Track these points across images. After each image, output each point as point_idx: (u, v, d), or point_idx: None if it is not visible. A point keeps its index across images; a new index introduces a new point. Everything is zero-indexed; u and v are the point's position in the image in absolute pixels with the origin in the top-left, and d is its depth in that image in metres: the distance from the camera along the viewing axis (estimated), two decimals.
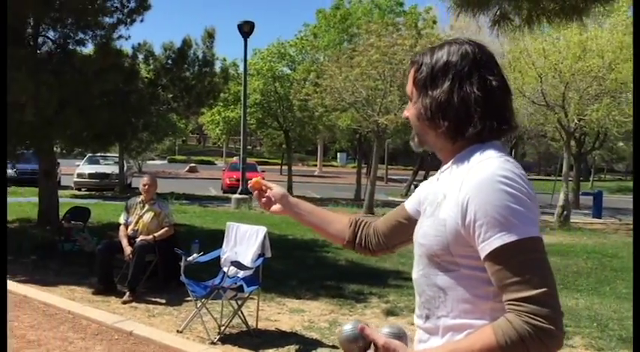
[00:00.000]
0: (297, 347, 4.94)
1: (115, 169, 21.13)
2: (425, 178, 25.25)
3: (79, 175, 21.24)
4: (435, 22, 21.11)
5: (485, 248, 1.29)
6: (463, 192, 1.34)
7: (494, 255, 1.28)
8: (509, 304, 1.26)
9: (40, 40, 9.78)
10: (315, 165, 46.19)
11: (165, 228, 6.41)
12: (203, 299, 5.06)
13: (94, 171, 21.36)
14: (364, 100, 16.37)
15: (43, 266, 7.27)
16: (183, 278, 5.17)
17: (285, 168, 27.71)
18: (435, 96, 1.43)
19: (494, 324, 1.27)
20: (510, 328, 1.23)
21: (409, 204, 1.70)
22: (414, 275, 1.52)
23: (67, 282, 6.58)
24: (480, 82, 1.40)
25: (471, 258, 1.34)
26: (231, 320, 5.14)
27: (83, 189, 20.80)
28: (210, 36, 10.91)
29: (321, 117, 19.81)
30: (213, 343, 4.85)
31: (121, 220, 6.59)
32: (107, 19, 10.07)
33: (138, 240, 6.27)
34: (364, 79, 16.01)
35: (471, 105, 1.40)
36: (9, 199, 14.91)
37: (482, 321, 1.33)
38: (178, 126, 26.70)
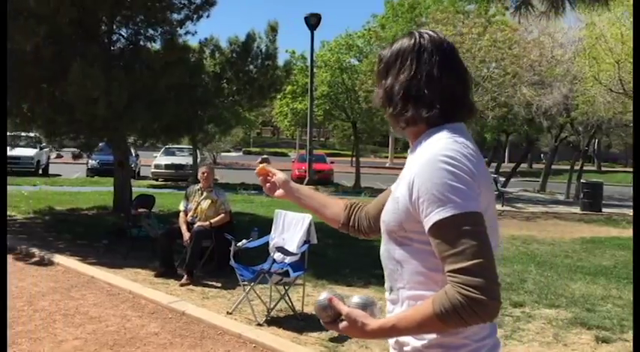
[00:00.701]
0: None
1: (190, 160, 21.96)
2: (496, 171, 24.69)
3: (156, 166, 22.27)
4: (507, 9, 20.44)
5: (427, 223, 1.37)
6: (412, 171, 1.44)
7: (434, 229, 1.36)
8: (447, 275, 1.34)
9: (114, 37, 10.36)
10: (387, 157, 46.01)
11: (222, 215, 6.68)
12: (252, 283, 5.27)
13: (169, 163, 22.34)
14: None
15: (112, 250, 7.75)
16: (232, 262, 5.41)
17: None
18: (384, 85, 1.56)
19: (434, 295, 1.35)
20: (445, 298, 1.31)
21: (394, 187, 1.79)
22: (380, 250, 1.61)
23: (132, 265, 7.00)
24: (421, 70, 1.50)
25: (421, 233, 1.42)
26: (277, 304, 5.33)
27: (160, 179, 21.75)
28: (273, 29, 11.14)
29: None
30: (259, 324, 5.06)
31: (181, 207, 6.94)
32: (175, 16, 10.53)
33: (195, 225, 6.58)
34: None
35: (410, 92, 1.50)
36: (91, 188, 15.88)
37: (433, 292, 1.40)
38: (248, 119, 27.26)
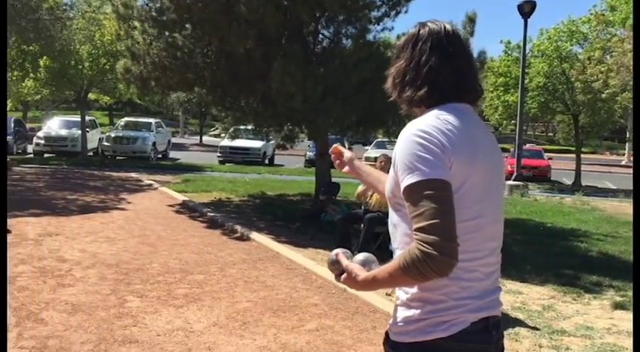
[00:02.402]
0: None
1: None
2: None
3: (366, 158, 23.20)
4: None
5: (401, 188, 1.55)
6: (397, 145, 1.60)
7: (405, 194, 1.53)
8: (413, 234, 1.48)
9: (319, 37, 11.20)
10: (624, 154, 41.57)
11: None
12: None
13: (378, 155, 23.11)
14: None
15: (302, 232, 8.50)
16: (391, 246, 5.64)
17: (588, 156, 25.62)
18: (391, 72, 1.75)
19: (403, 251, 1.50)
20: (407, 253, 1.48)
21: None
22: None
23: (315, 246, 7.63)
24: (414, 57, 1.67)
25: None
26: None
27: None
28: (471, 20, 10.99)
29: (613, 99, 17.87)
30: None
31: (359, 189, 7.36)
32: (374, 13, 11.02)
33: (369, 212, 6.95)
34: None
35: (406, 75, 1.68)
36: (303, 177, 17.27)
37: None
38: None
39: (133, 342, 4.18)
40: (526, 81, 18.99)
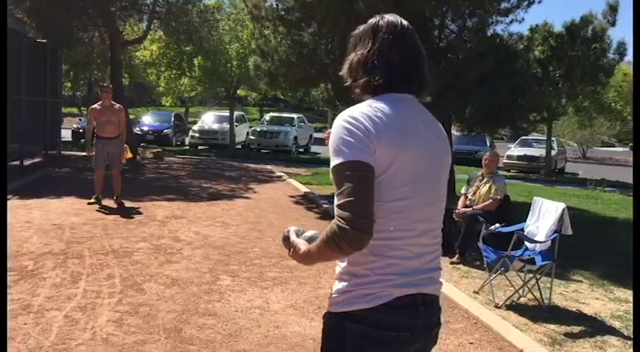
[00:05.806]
0: (582, 328, 4.72)
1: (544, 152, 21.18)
2: None
3: (508, 157, 22.13)
4: None
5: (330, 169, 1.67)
6: None
7: (332, 174, 1.66)
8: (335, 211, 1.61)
9: (446, 31, 11.01)
10: None
11: (488, 202, 6.70)
12: (496, 266, 5.29)
13: (522, 154, 21.98)
14: None
15: None
16: (480, 243, 5.51)
17: None
18: (349, 59, 1.84)
19: None
20: (328, 228, 1.62)
21: None
22: None
23: None
24: (374, 47, 1.76)
25: None
26: (519, 289, 5.24)
27: (512, 171, 21.61)
28: (612, 9, 10.18)
29: None
30: (496, 307, 5.09)
31: (462, 191, 7.21)
32: (504, 4, 10.61)
33: (471, 209, 6.79)
34: None
35: (356, 65, 1.79)
36: None
37: None
38: (613, 108, 24.48)
39: (211, 315, 4.57)
40: None
